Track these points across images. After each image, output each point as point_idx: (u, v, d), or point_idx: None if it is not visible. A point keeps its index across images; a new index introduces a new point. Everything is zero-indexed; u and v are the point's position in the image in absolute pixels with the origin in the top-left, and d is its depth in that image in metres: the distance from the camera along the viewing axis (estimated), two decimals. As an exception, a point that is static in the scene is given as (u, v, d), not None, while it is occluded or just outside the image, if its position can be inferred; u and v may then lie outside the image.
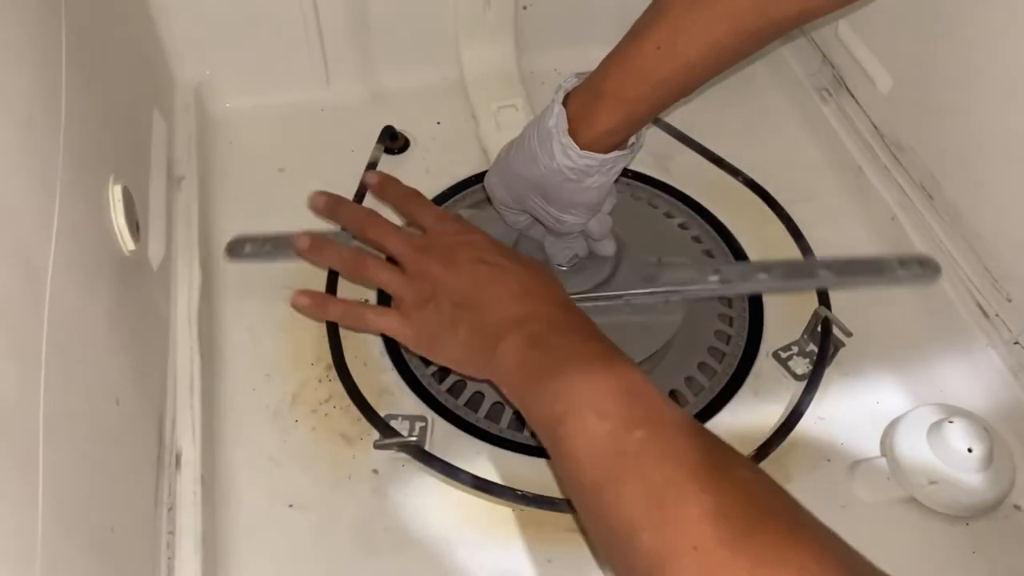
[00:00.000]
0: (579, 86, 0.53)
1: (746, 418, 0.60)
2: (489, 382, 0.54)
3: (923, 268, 0.63)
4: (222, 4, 0.75)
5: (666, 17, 0.49)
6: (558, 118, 0.52)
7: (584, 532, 0.54)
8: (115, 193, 0.51)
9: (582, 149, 0.52)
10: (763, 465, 0.57)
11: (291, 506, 0.56)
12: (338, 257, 0.59)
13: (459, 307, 0.52)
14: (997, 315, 0.61)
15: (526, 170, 0.55)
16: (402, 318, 0.55)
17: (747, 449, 0.57)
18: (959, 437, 0.54)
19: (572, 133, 0.52)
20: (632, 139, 0.54)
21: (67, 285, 0.42)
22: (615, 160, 0.53)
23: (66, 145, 0.45)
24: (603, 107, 0.51)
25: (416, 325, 0.54)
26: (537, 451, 0.59)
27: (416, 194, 0.62)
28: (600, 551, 0.44)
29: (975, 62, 0.61)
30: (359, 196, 0.72)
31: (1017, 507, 0.55)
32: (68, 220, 0.43)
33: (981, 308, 0.62)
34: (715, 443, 0.41)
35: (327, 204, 0.62)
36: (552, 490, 0.55)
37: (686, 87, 0.51)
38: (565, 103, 0.53)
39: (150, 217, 0.61)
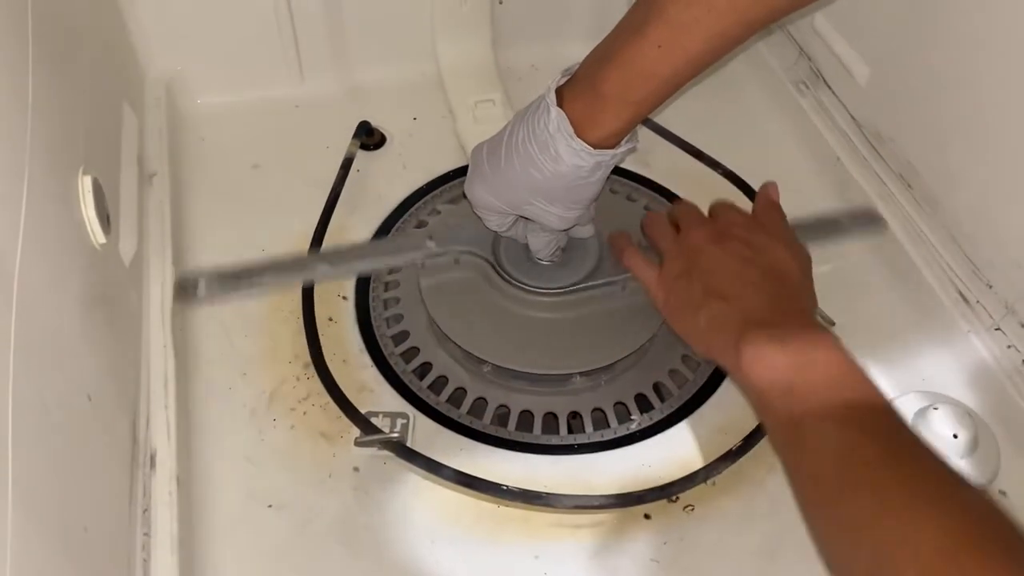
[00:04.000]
0: (574, 86, 0.52)
1: (731, 410, 0.60)
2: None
3: (871, 222, 0.66)
4: (192, -2, 0.74)
5: (665, 13, 0.48)
6: (559, 121, 0.51)
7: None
8: (85, 184, 0.49)
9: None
10: (749, 455, 0.56)
11: (270, 506, 0.54)
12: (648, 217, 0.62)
13: (709, 293, 0.53)
14: (978, 302, 0.61)
15: (524, 176, 0.54)
16: (660, 279, 0.57)
17: (733, 440, 0.57)
18: (944, 423, 0.55)
19: (578, 135, 0.51)
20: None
21: (35, 276, 0.40)
22: (624, 152, 0.53)
23: (33, 134, 0.44)
24: (608, 110, 0.51)
25: (667, 291, 0.56)
26: (521, 446, 0.58)
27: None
28: (822, 551, 0.45)
29: (952, 51, 0.61)
30: (334, 193, 0.70)
31: (1003, 492, 0.55)
32: (36, 209, 0.42)
33: (962, 295, 0.62)
34: (944, 465, 0.42)
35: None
36: (537, 485, 0.55)
37: (687, 81, 0.51)
38: (559, 104, 0.52)
39: (121, 212, 0.60)
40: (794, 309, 0.52)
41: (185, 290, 0.62)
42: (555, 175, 0.53)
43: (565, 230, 0.60)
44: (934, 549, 0.37)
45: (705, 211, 0.60)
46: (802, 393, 0.45)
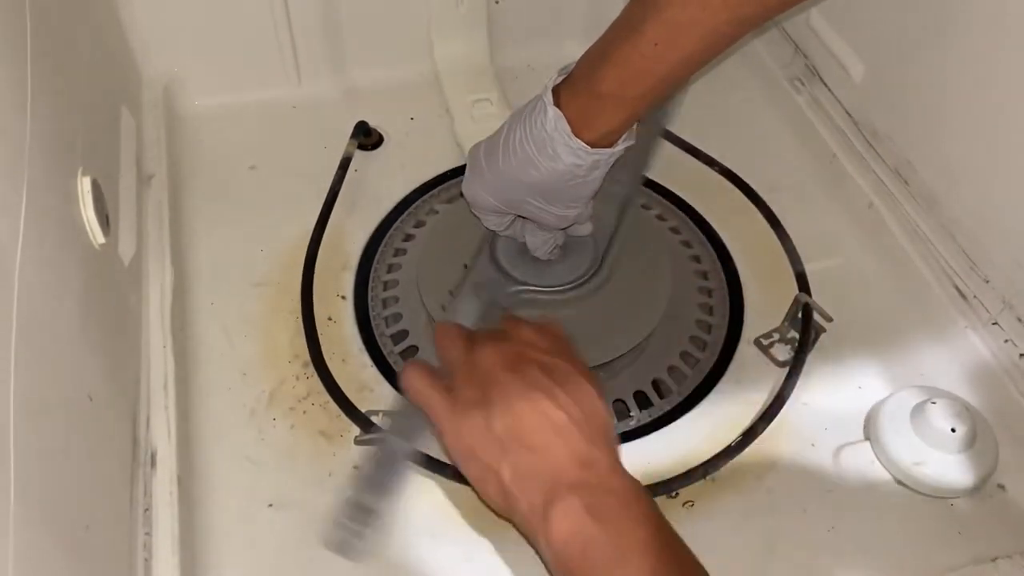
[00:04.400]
0: (570, 85, 0.52)
1: (729, 406, 0.60)
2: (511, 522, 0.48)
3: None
4: (189, 0, 0.74)
5: (661, 12, 0.48)
6: (556, 121, 0.51)
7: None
8: (84, 185, 0.49)
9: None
10: (748, 451, 0.56)
11: (271, 505, 0.54)
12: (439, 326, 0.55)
13: (515, 435, 0.46)
14: (975, 297, 0.61)
15: (523, 175, 0.54)
16: (451, 409, 0.48)
17: (731, 436, 0.57)
18: (942, 417, 0.55)
19: (575, 134, 0.51)
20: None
21: (36, 276, 0.41)
22: (622, 151, 0.53)
23: (32, 135, 0.44)
24: (605, 109, 0.51)
25: (457, 427, 0.48)
26: (521, 443, 0.58)
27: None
28: None
29: (947, 46, 0.61)
30: (332, 194, 0.71)
31: (1001, 486, 0.56)
32: (36, 210, 0.42)
33: (959, 290, 0.62)
34: None
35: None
36: (537, 482, 0.55)
37: (683, 79, 0.51)
38: (556, 103, 0.52)
39: (120, 214, 0.60)
40: (603, 459, 0.46)
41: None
42: (553, 174, 0.53)
43: (563, 228, 0.60)
44: None
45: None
46: (605, 557, 0.42)
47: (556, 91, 0.52)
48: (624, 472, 0.46)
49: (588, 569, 0.43)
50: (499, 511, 0.48)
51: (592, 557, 0.42)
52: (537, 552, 0.46)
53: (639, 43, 0.49)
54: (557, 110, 0.51)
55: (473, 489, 0.48)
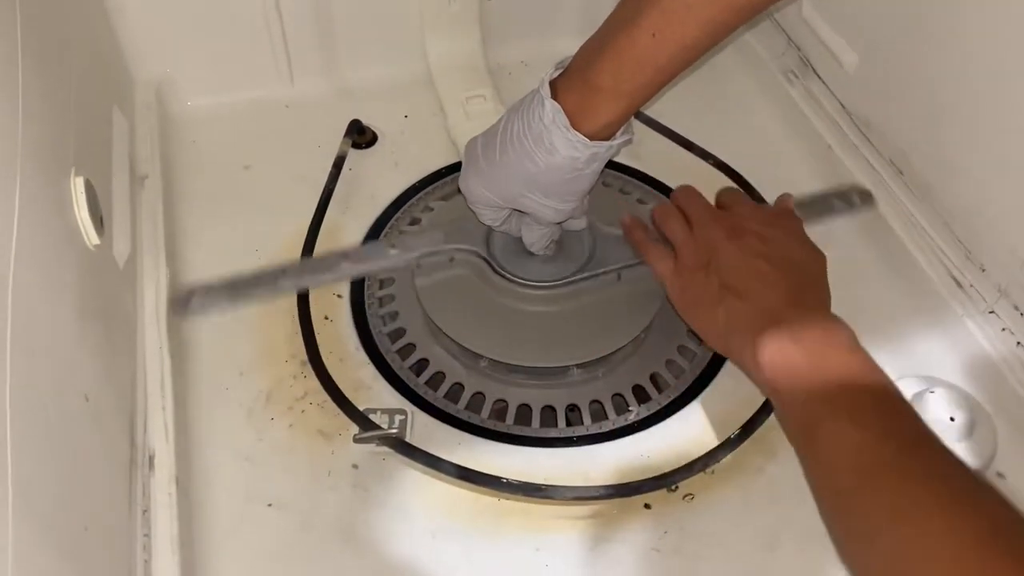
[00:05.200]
0: (568, 79, 0.52)
1: (729, 398, 0.60)
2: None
3: (861, 199, 0.68)
4: (180, 1, 0.74)
5: (659, 2, 0.48)
6: (554, 113, 0.51)
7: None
8: (77, 185, 0.49)
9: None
10: (748, 443, 0.56)
11: (270, 505, 0.54)
12: (655, 209, 0.61)
13: (726, 289, 0.53)
14: (972, 286, 0.61)
15: (520, 169, 0.54)
16: (675, 270, 0.57)
17: (731, 429, 0.57)
18: (941, 406, 0.55)
19: (573, 127, 0.51)
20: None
21: (30, 277, 0.40)
22: (620, 144, 0.53)
23: (24, 136, 0.44)
24: (602, 101, 0.51)
25: (682, 284, 0.56)
26: (520, 440, 0.58)
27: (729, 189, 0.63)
28: (840, 550, 0.46)
29: (939, 36, 0.61)
30: (327, 192, 0.70)
31: (1000, 474, 0.56)
32: (29, 211, 0.42)
33: (955, 279, 0.62)
34: (959, 464, 0.42)
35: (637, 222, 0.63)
36: (537, 477, 0.55)
37: (680, 69, 0.51)
38: (553, 96, 0.51)
39: (114, 215, 0.59)
40: (811, 305, 0.52)
41: (179, 304, 0.61)
42: (550, 167, 0.53)
43: (559, 223, 0.60)
44: (948, 552, 0.38)
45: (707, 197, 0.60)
46: (819, 393, 0.46)
47: (553, 84, 0.52)
48: (828, 312, 0.52)
49: (794, 388, 0.47)
50: (719, 350, 0.56)
51: (796, 377, 0.47)
52: (753, 381, 0.52)
53: (636, 34, 0.49)
54: (555, 103, 0.51)
55: (697, 334, 0.57)
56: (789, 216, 0.59)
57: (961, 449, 0.54)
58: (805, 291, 0.53)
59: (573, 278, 0.61)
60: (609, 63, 0.50)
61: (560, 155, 0.52)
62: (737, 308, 0.52)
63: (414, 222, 0.71)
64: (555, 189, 0.54)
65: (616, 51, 0.50)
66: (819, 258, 0.56)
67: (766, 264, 0.53)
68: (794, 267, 0.54)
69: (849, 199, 0.68)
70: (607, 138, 0.52)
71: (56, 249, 0.46)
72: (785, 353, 0.48)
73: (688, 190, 0.61)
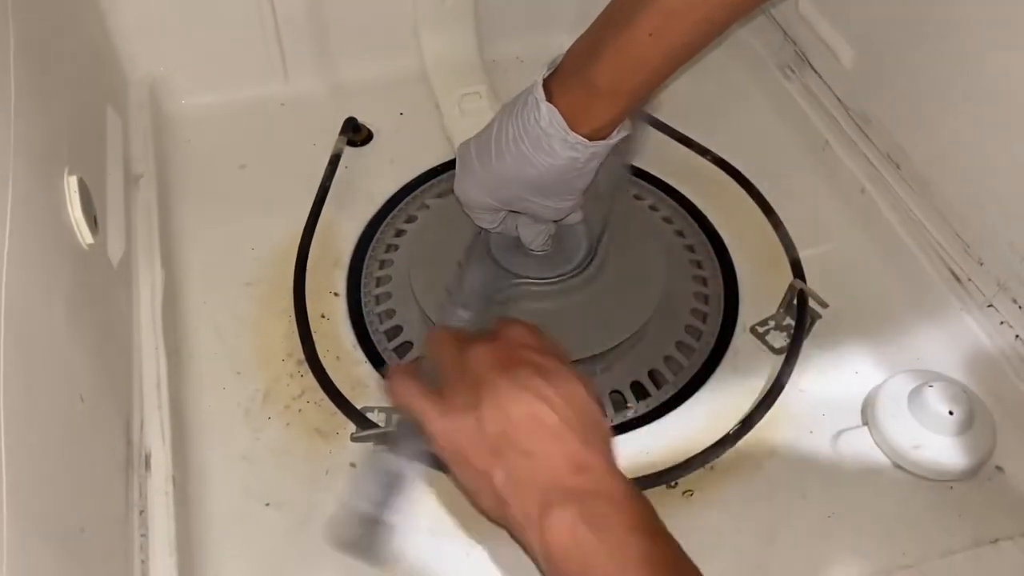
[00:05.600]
0: (562, 80, 0.51)
1: (727, 394, 0.60)
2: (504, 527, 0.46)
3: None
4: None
5: (655, 1, 0.47)
6: (551, 116, 0.50)
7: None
8: (71, 185, 0.49)
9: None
10: (746, 439, 0.56)
11: (267, 504, 0.54)
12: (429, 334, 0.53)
13: (507, 439, 0.44)
14: (970, 280, 0.61)
15: (518, 172, 0.53)
16: (440, 411, 0.47)
17: (729, 425, 0.57)
18: (939, 400, 0.55)
19: (571, 129, 0.50)
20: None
21: (24, 277, 0.40)
22: (618, 141, 0.52)
23: (17, 135, 0.44)
24: (601, 102, 0.50)
25: (450, 431, 0.46)
26: (518, 437, 0.58)
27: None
28: None
29: (936, 30, 0.61)
30: (322, 191, 0.70)
31: (999, 468, 0.55)
32: (22, 211, 0.41)
33: (954, 274, 0.62)
34: None
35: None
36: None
37: (678, 67, 0.50)
38: (548, 98, 0.51)
39: (108, 214, 0.59)
40: (597, 465, 0.44)
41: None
42: (550, 169, 0.52)
43: (557, 220, 0.60)
44: None
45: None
46: (603, 568, 0.41)
47: (546, 85, 0.51)
48: (618, 475, 0.44)
49: (578, 570, 0.41)
50: (492, 517, 0.46)
51: (589, 569, 0.41)
52: (531, 558, 0.44)
53: (633, 34, 0.48)
54: (551, 106, 0.50)
55: (464, 494, 0.47)
56: (532, 328, 0.51)
57: (960, 443, 0.54)
58: (590, 440, 0.44)
59: (570, 274, 0.61)
60: (606, 63, 0.49)
61: (560, 157, 0.51)
62: (518, 471, 0.43)
63: (411, 220, 0.71)
64: (554, 189, 0.54)
65: (613, 51, 0.49)
66: (589, 384, 0.47)
67: (545, 409, 0.44)
68: (577, 409, 0.45)
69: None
70: (605, 136, 0.52)
71: (50, 249, 0.46)
72: (577, 535, 0.41)
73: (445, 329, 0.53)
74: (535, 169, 0.52)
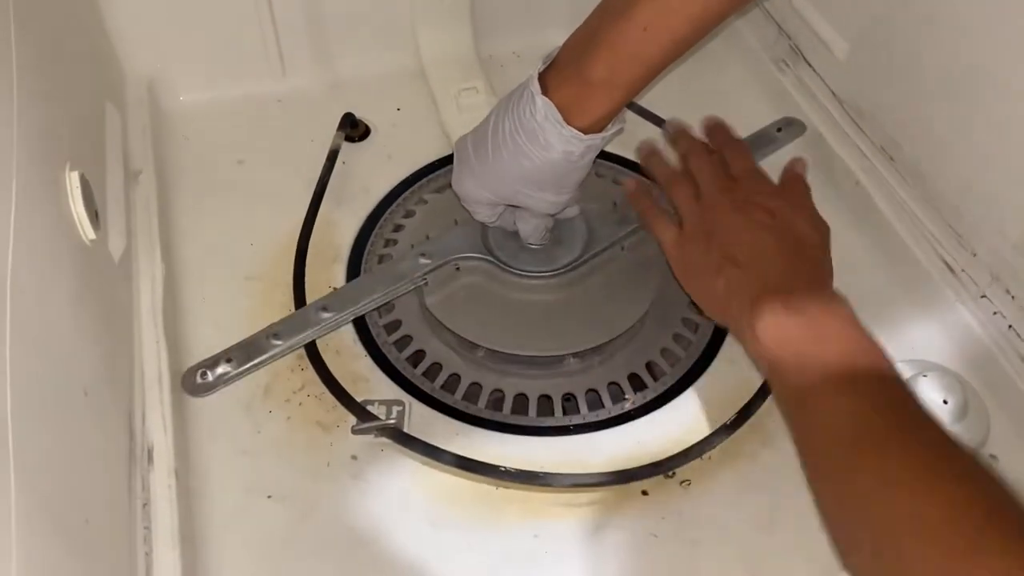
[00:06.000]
0: (558, 73, 0.52)
1: (724, 385, 0.60)
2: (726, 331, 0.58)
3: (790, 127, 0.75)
4: (170, -5, 0.74)
5: None
6: (547, 110, 0.51)
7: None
8: (72, 180, 0.49)
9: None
10: (743, 429, 0.57)
11: (270, 497, 0.55)
12: (661, 170, 0.62)
13: (727, 259, 0.53)
14: (963, 271, 0.62)
15: (515, 167, 0.54)
16: (677, 239, 0.57)
17: (727, 414, 0.57)
18: (934, 390, 0.55)
19: (566, 122, 0.51)
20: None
21: (28, 272, 0.40)
22: (614, 134, 0.53)
23: (19, 131, 0.44)
24: (596, 96, 0.51)
25: (683, 252, 0.56)
26: (517, 429, 0.58)
27: (739, 143, 0.63)
28: (827, 521, 0.46)
29: (929, 23, 0.62)
30: (321, 186, 0.70)
31: (993, 456, 0.56)
32: (26, 206, 0.42)
33: (947, 265, 0.62)
34: (950, 438, 0.42)
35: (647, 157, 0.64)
36: (535, 465, 0.55)
37: (673, 60, 0.51)
38: (543, 91, 0.51)
39: (108, 210, 0.59)
40: (811, 279, 0.52)
41: (191, 382, 0.58)
42: (546, 163, 0.53)
43: (554, 214, 0.60)
44: (940, 522, 0.38)
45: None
46: (813, 364, 0.46)
47: (542, 79, 0.52)
48: (828, 287, 0.53)
49: (789, 357, 0.47)
50: (717, 320, 0.56)
51: (791, 346, 0.47)
52: (750, 358, 0.53)
53: (628, 28, 0.49)
54: (547, 99, 0.51)
55: (696, 306, 0.58)
56: (798, 186, 0.59)
57: (954, 432, 0.55)
58: (807, 265, 0.53)
59: (577, 261, 0.61)
60: (602, 57, 0.50)
61: (555, 150, 0.52)
62: (737, 277, 0.52)
63: (409, 214, 0.71)
64: (551, 182, 0.55)
65: (608, 45, 0.50)
66: (823, 232, 0.56)
67: (770, 237, 0.53)
68: (798, 242, 0.54)
69: (784, 127, 0.75)
70: (600, 130, 0.52)
71: (53, 244, 0.46)
72: (781, 324, 0.48)
73: (695, 147, 0.61)
74: (531, 163, 0.53)
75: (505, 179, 0.55)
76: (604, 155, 0.75)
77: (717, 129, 0.63)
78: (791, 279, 0.51)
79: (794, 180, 0.60)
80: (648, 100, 0.78)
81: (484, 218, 0.60)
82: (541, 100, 0.51)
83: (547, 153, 0.52)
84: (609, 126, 0.53)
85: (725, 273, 0.53)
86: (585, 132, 0.51)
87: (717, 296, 0.53)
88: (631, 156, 0.75)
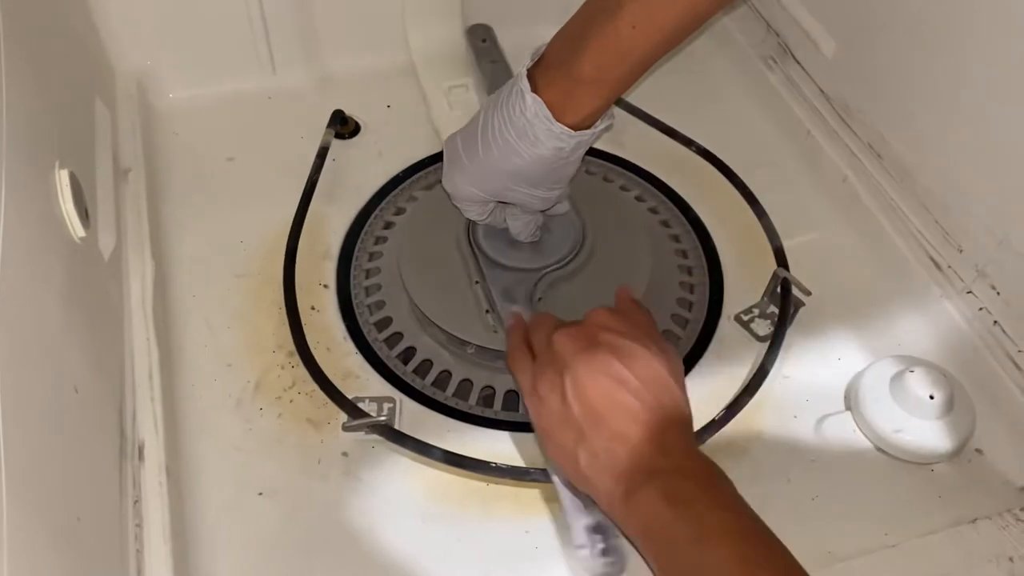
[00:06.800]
0: (546, 70, 0.52)
1: (712, 381, 0.61)
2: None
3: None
4: (159, -8, 0.74)
5: None
6: (536, 107, 0.51)
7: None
8: (62, 178, 0.49)
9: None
10: (732, 424, 0.57)
11: (260, 494, 0.55)
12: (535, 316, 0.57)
13: (589, 422, 0.47)
14: (949, 267, 0.62)
15: (505, 164, 0.54)
16: (533, 386, 0.50)
17: (715, 410, 0.58)
18: (920, 385, 0.56)
19: (556, 119, 0.51)
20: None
21: (17, 269, 0.40)
22: (603, 130, 0.53)
23: (8, 128, 0.44)
24: (586, 93, 0.51)
25: (539, 406, 0.50)
26: (508, 425, 0.59)
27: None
28: None
29: (916, 21, 0.62)
30: (311, 183, 0.70)
31: (979, 450, 0.57)
32: (14, 204, 0.42)
33: (934, 261, 0.63)
34: None
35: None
36: (525, 461, 0.55)
37: (659, 57, 0.51)
38: (532, 88, 0.51)
39: (98, 208, 0.59)
40: (673, 437, 0.47)
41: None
42: (536, 160, 0.53)
43: (545, 210, 0.60)
44: None
45: None
46: (708, 560, 0.42)
47: (531, 76, 0.52)
48: (699, 454, 0.47)
49: (670, 555, 0.43)
50: (579, 487, 0.49)
51: (673, 544, 0.43)
52: (620, 532, 0.48)
53: (617, 26, 0.49)
54: (536, 97, 0.51)
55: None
56: (637, 313, 0.54)
57: (940, 426, 0.55)
58: (669, 421, 0.47)
59: (557, 264, 0.62)
60: (590, 54, 0.50)
61: (545, 147, 0.52)
62: (600, 453, 0.46)
63: (399, 212, 0.71)
64: (540, 179, 0.55)
65: (597, 42, 0.50)
66: (676, 366, 0.51)
67: (624, 392, 0.47)
68: (655, 388, 0.48)
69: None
70: (590, 126, 0.52)
71: (43, 242, 0.46)
72: (660, 512, 0.43)
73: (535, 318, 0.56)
74: (521, 159, 0.53)
75: (495, 176, 0.55)
76: (594, 152, 0.76)
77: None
78: (656, 446, 0.46)
79: (632, 306, 0.55)
80: (636, 97, 0.78)
81: (474, 215, 0.61)
82: (531, 97, 0.51)
83: (537, 150, 0.52)
84: (598, 122, 0.53)
85: (587, 442, 0.47)
86: (575, 129, 0.52)
87: (579, 466, 0.47)
88: (621, 153, 0.76)
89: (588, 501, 0.50)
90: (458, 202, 0.60)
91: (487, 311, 0.59)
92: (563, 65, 0.51)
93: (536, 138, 0.52)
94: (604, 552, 0.50)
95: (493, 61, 0.80)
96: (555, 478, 0.52)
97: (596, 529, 0.50)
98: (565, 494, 0.51)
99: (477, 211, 0.60)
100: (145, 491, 0.51)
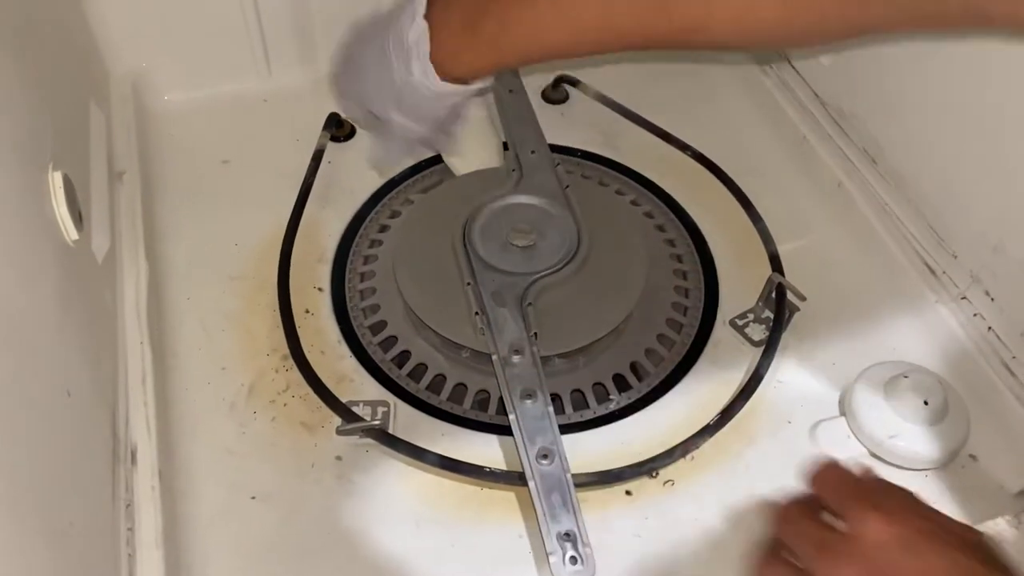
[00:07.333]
0: (450, 7, 0.50)
1: (707, 386, 0.61)
2: None
3: None
4: (155, -6, 0.73)
5: None
6: (420, 35, 0.49)
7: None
8: (55, 180, 0.49)
9: (442, 78, 0.50)
10: (726, 429, 0.57)
11: (254, 498, 0.54)
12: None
13: None
14: (944, 272, 0.62)
15: (375, 69, 0.53)
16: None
17: (709, 415, 0.58)
18: (914, 391, 0.56)
19: (434, 59, 0.49)
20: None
21: (10, 272, 0.40)
22: (474, 91, 0.52)
23: (2, 131, 0.44)
24: (474, 48, 0.49)
25: None
26: (502, 429, 0.58)
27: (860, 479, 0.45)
28: None
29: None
30: (306, 186, 0.70)
31: (973, 456, 0.57)
32: (7, 207, 0.42)
33: (928, 267, 0.63)
34: None
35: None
36: (520, 466, 0.55)
37: (568, 56, 0.50)
38: (429, 15, 0.50)
39: (92, 210, 0.59)
40: None
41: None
42: (406, 84, 0.52)
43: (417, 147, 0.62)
44: None
45: None
46: None
47: (433, 5, 0.50)
48: None
49: None
50: None
51: None
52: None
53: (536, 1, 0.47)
54: (423, 23, 0.49)
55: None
56: (916, 505, 0.43)
57: (935, 432, 0.55)
58: None
59: (552, 268, 0.61)
60: (497, 14, 0.48)
61: (413, 76, 0.51)
62: None
63: (394, 215, 0.71)
64: (409, 107, 0.54)
65: (510, 6, 0.48)
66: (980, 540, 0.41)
67: None
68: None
69: None
70: (467, 82, 0.51)
71: (35, 245, 0.46)
72: None
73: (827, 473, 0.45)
74: (389, 75, 0.52)
75: (372, 86, 0.55)
76: (589, 156, 0.76)
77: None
78: None
79: (897, 490, 0.44)
80: (632, 101, 0.78)
81: (352, 113, 0.62)
82: (420, 22, 0.50)
83: (406, 75, 0.51)
84: (473, 83, 0.52)
85: None
86: (452, 78, 0.50)
87: None
88: (616, 157, 0.76)
89: (560, 508, 0.50)
90: (338, 99, 0.61)
91: (476, 313, 0.59)
92: (467, 9, 0.49)
93: (409, 64, 0.51)
94: (573, 560, 0.49)
95: None
96: (531, 484, 0.51)
97: (566, 537, 0.49)
98: (539, 501, 0.51)
99: (354, 113, 0.62)
100: (138, 495, 0.51)
